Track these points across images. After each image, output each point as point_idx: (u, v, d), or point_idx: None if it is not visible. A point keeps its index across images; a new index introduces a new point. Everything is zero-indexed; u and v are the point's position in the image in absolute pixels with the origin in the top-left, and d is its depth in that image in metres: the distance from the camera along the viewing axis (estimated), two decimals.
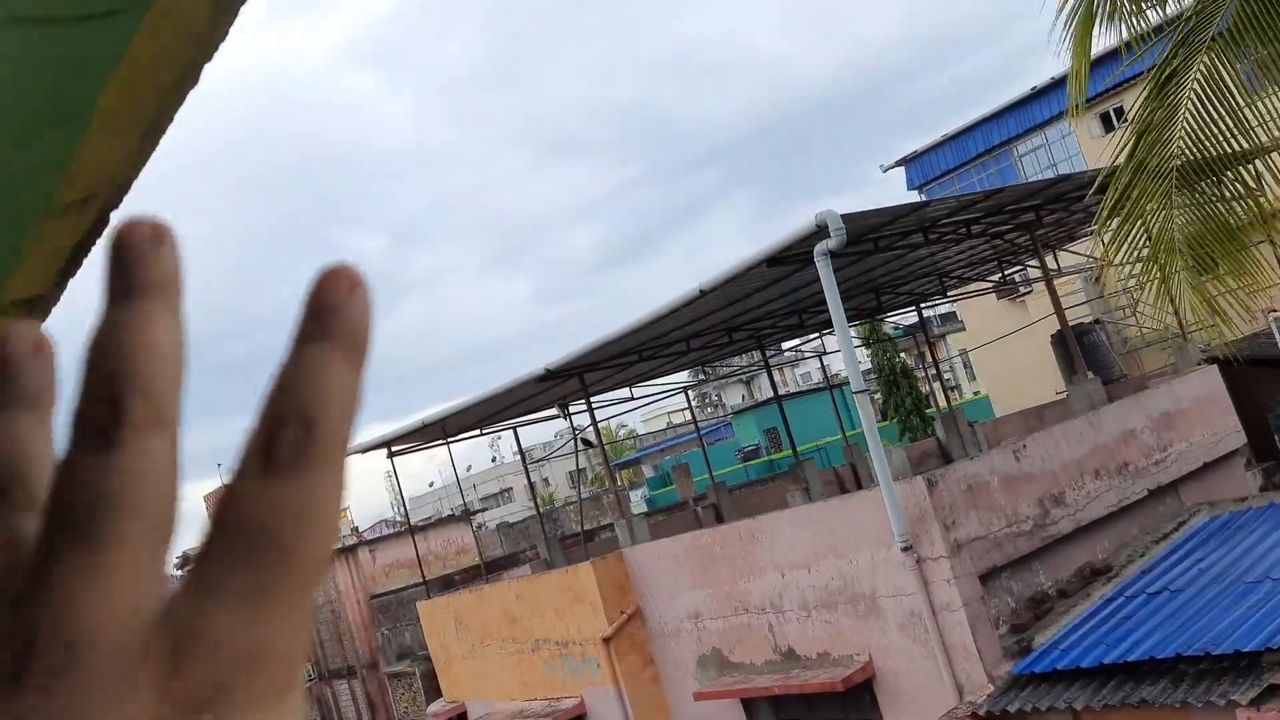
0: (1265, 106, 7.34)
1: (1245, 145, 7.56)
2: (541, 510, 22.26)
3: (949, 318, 48.98)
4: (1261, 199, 8.49)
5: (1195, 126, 7.30)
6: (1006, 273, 18.59)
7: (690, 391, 28.11)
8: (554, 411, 18.77)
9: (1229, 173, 7.65)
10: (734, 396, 64.63)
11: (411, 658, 27.67)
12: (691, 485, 24.39)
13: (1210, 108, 7.33)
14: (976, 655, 10.11)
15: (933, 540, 10.33)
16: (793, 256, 10.81)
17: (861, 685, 11.08)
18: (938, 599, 10.33)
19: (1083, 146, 22.66)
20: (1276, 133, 7.56)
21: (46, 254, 1.22)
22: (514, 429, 19.57)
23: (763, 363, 20.01)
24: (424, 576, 19.63)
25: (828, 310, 10.75)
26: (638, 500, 37.05)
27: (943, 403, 21.60)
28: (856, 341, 28.07)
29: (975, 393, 42.33)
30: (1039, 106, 23.38)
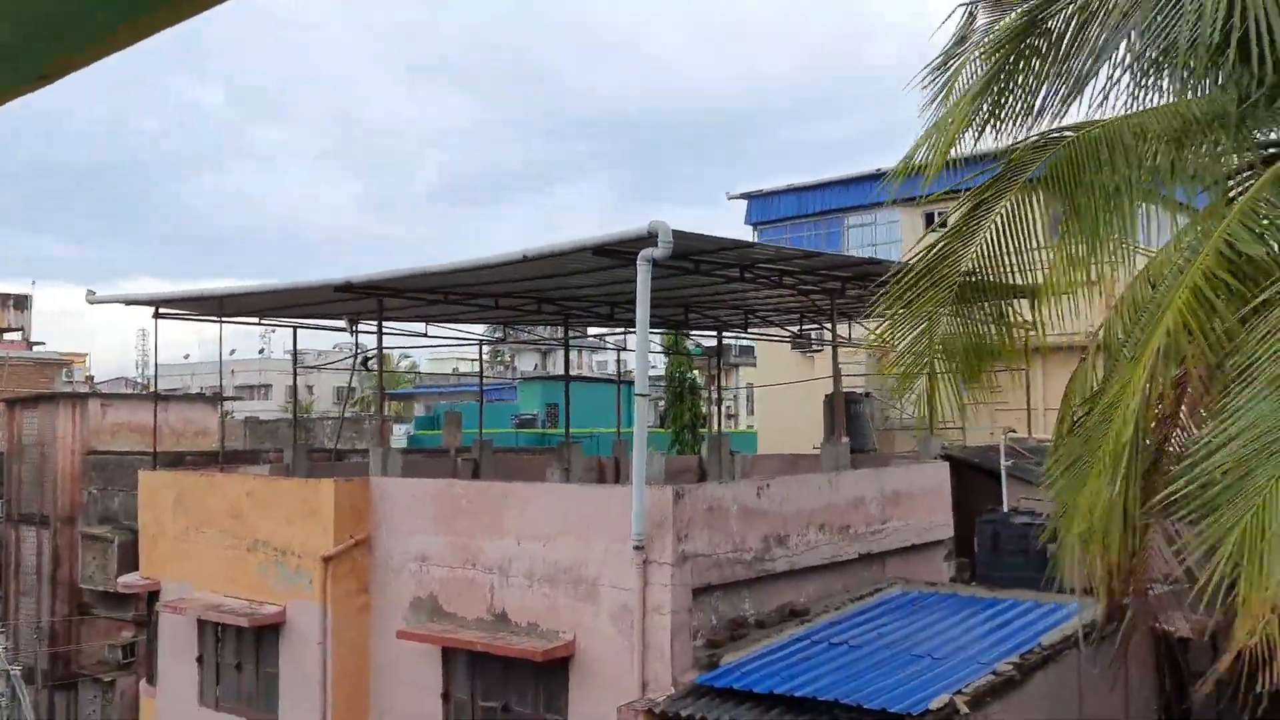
0: (1046, 254, 8.31)
1: (1022, 281, 8.53)
2: (299, 416, 21.78)
3: (747, 351, 51.09)
4: (1025, 332, 9.56)
5: (987, 252, 8.19)
6: (804, 328, 19.79)
7: (486, 346, 28.17)
8: (333, 324, 18.44)
9: (1001, 302, 8.60)
10: (527, 363, 64.88)
11: (114, 524, 26.39)
12: (459, 436, 24.48)
13: (1004, 240, 8.25)
14: (669, 659, 10.81)
15: (664, 546, 10.96)
16: (619, 252, 11.21)
17: (560, 661, 11.59)
18: (651, 600, 10.96)
19: (904, 235, 24.36)
20: (1052, 278, 8.54)
21: None
22: (294, 329, 19.09)
23: (563, 340, 20.39)
24: (155, 448, 18.82)
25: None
26: (400, 435, 36.69)
27: (716, 427, 22.67)
28: (656, 348, 28.98)
29: (749, 426, 44.38)
30: (876, 188, 24.91)
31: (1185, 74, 6.92)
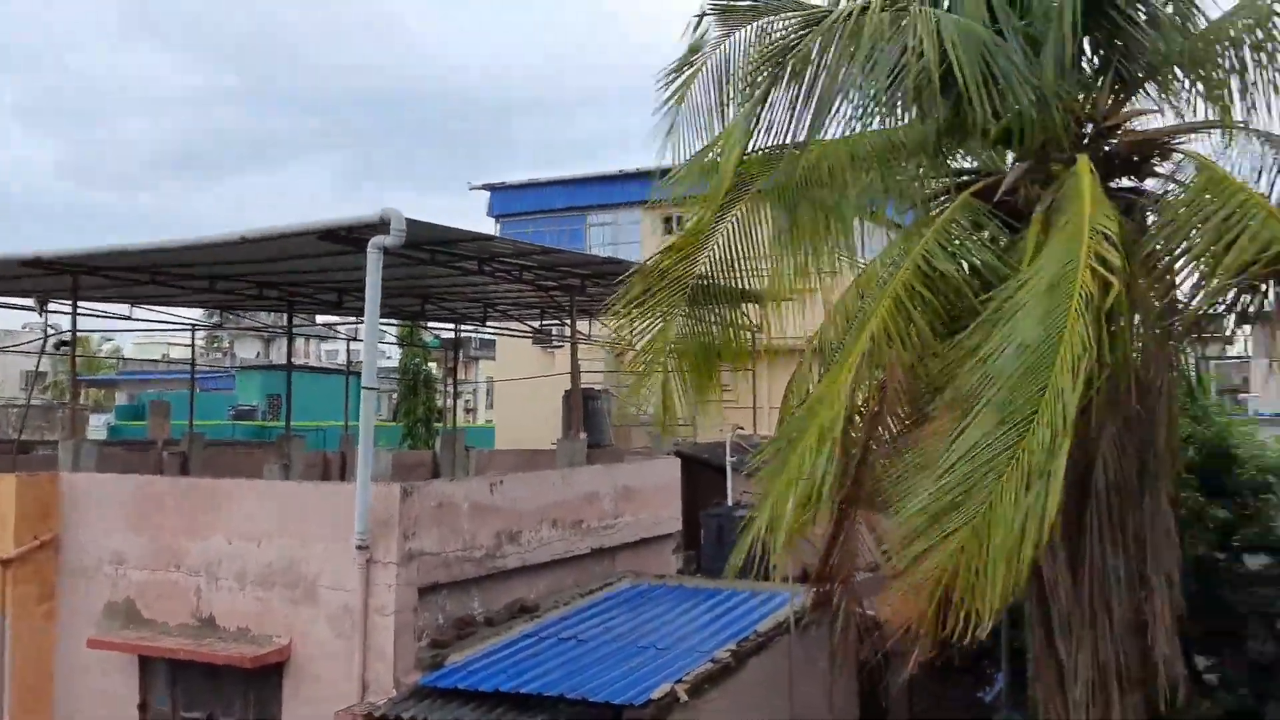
0: (772, 262, 8.71)
1: (751, 286, 8.91)
2: None
3: (488, 344, 50.72)
4: (753, 335, 9.98)
5: (718, 258, 8.49)
6: (545, 323, 19.81)
7: (202, 332, 26.25)
8: (19, 301, 16.55)
9: (730, 305, 8.94)
10: (248, 350, 61.16)
11: None
12: (167, 427, 22.66)
13: (734, 247, 8.57)
14: (392, 660, 10.47)
15: (390, 545, 10.60)
16: (349, 238, 10.71)
17: (273, 666, 10.96)
18: (374, 601, 10.57)
19: (644, 237, 24.98)
20: (777, 285, 8.95)
21: None
22: None
23: (286, 328, 19.32)
24: None
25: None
26: (99, 425, 33.49)
27: (451, 421, 22.27)
28: (392, 339, 28.12)
29: (489, 421, 44.03)
30: (621, 189, 25.43)
31: (893, 103, 7.49)
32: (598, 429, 20.11)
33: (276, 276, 15.00)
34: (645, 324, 8.89)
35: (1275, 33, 6.88)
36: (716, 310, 9.08)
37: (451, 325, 20.35)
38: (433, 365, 35.43)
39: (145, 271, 13.45)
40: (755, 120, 8.09)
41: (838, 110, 7.56)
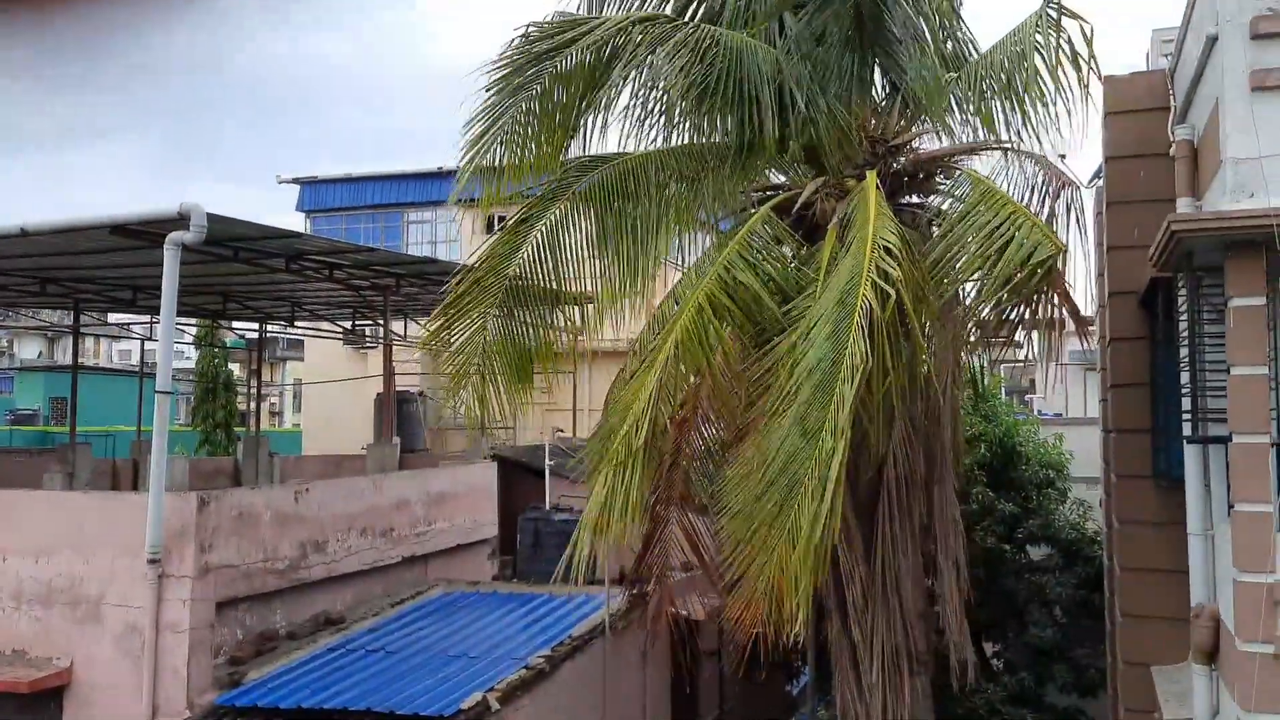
0: (589, 265, 8.77)
1: (572, 289, 8.93)
2: None
3: (296, 344, 48.78)
4: (573, 337, 10.00)
5: (533, 259, 8.48)
6: (357, 324, 19.22)
7: None
8: None
9: (545, 307, 8.93)
10: (29, 350, 56.60)
11: None
12: None
13: (549, 250, 8.58)
14: (185, 679, 9.91)
15: (184, 558, 10.04)
16: (144, 232, 10.07)
17: (52, 691, 10.18)
18: (166, 617, 9.98)
19: (464, 236, 24.63)
20: (594, 289, 9.01)
21: None
22: None
23: (72, 328, 17.99)
24: None
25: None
26: None
27: (254, 426, 21.29)
28: (189, 339, 26.61)
29: (296, 425, 42.37)
30: (440, 185, 24.98)
31: (688, 118, 7.75)
32: (412, 433, 19.72)
33: (61, 273, 13.94)
34: (462, 325, 8.78)
35: (1037, 65, 7.46)
36: (532, 311, 9.06)
37: (256, 325, 19.46)
38: (235, 367, 33.80)
39: None
40: (566, 130, 8.16)
41: (625, 120, 7.76)
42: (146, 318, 18.71)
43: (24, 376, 36.39)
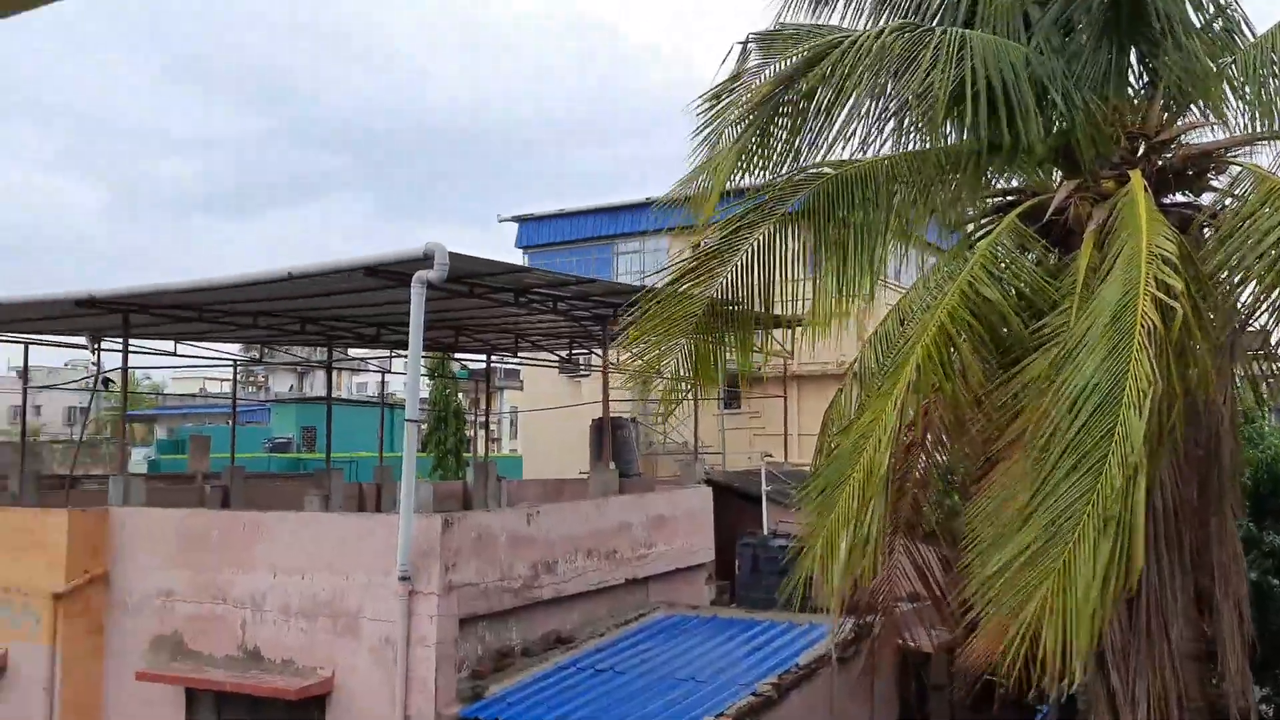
0: (800, 286, 8.68)
1: (779, 311, 8.86)
2: (27, 439, 19.78)
3: (512, 374, 50.94)
4: (784, 360, 10.01)
5: (738, 280, 8.41)
6: (574, 353, 20.02)
7: (238, 365, 26.67)
8: (73, 340, 16.97)
9: (752, 329, 8.88)
10: (281, 383, 61.84)
11: None
12: (207, 461, 23.03)
13: (757, 270, 8.50)
14: (433, 692, 10.59)
15: (430, 576, 10.74)
16: (391, 273, 10.96)
17: (315, 699, 11.11)
18: (416, 632, 10.71)
19: (671, 265, 25.10)
20: (807, 309, 8.88)
21: None
22: (25, 345, 17.38)
23: (326, 362, 19.63)
24: None
25: (406, 330, 10.98)
26: (139, 459, 34.02)
27: (483, 451, 22.47)
28: (423, 371, 28.41)
29: (513, 450, 44.24)
30: (647, 216, 25.63)
31: (925, 123, 7.37)
32: (626, 458, 20.24)
33: (317, 312, 15.31)
34: (661, 349, 8.71)
35: None
36: (738, 334, 8.94)
37: (483, 356, 20.61)
38: (460, 396, 35.67)
39: (193, 309, 13.79)
40: (786, 146, 8.10)
41: (860, 131, 7.53)
42: (387, 352, 20.18)
43: (279, 408, 39.88)
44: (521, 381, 32.76)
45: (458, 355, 22.97)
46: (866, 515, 6.24)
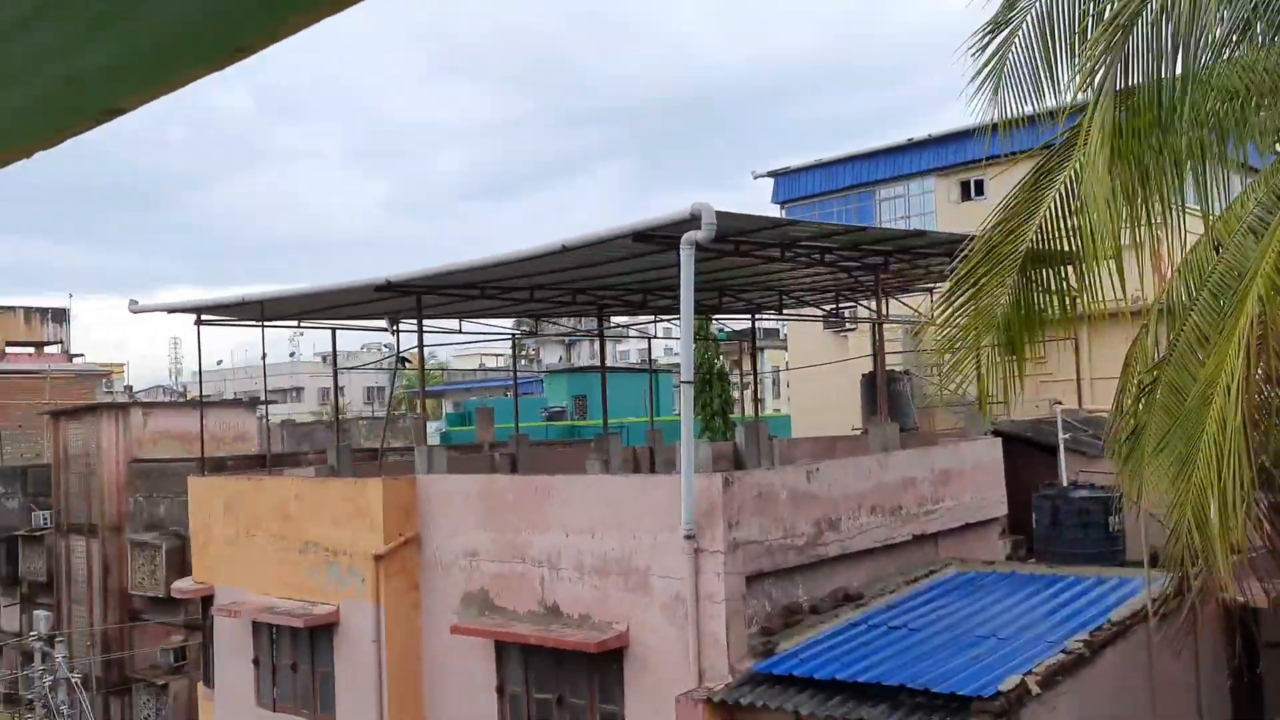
0: (1102, 219, 8.01)
1: (1075, 247, 8.21)
2: (336, 419, 21.81)
3: (771, 333, 50.78)
4: (1077, 300, 9.27)
5: (1050, 220, 7.90)
6: (840, 306, 19.55)
7: (516, 338, 28.11)
8: (373, 323, 18.42)
9: (1056, 270, 8.31)
10: (551, 355, 64.91)
11: (161, 530, 26.60)
12: (492, 431, 24.46)
13: (1067, 207, 7.94)
14: (725, 647, 10.71)
15: (715, 534, 10.85)
16: (659, 237, 11.07)
17: (613, 652, 11.53)
18: (704, 588, 10.86)
19: (938, 206, 24.03)
20: (1106, 242, 8.20)
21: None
22: (333, 331, 19.10)
23: (597, 330, 20.27)
24: (203, 454, 18.89)
25: (672, 295, 11.09)
26: (431, 432, 36.77)
27: (750, 412, 22.50)
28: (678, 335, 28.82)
29: (776, 410, 44.17)
30: (910, 158, 24.61)
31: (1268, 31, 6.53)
32: (901, 412, 19.58)
33: (587, 282, 15.79)
34: (967, 297, 8.33)
35: None
36: (1042, 276, 8.41)
37: (746, 316, 20.57)
38: (721, 358, 35.92)
39: (476, 287, 14.59)
40: (1084, 66, 7.45)
41: (1186, 44, 6.73)
42: (651, 318, 20.56)
43: (551, 378, 41.88)
44: (784, 339, 32.54)
45: (720, 316, 23.04)
46: (1229, 472, 5.60)
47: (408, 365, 19.08)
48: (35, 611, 28.13)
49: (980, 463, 14.09)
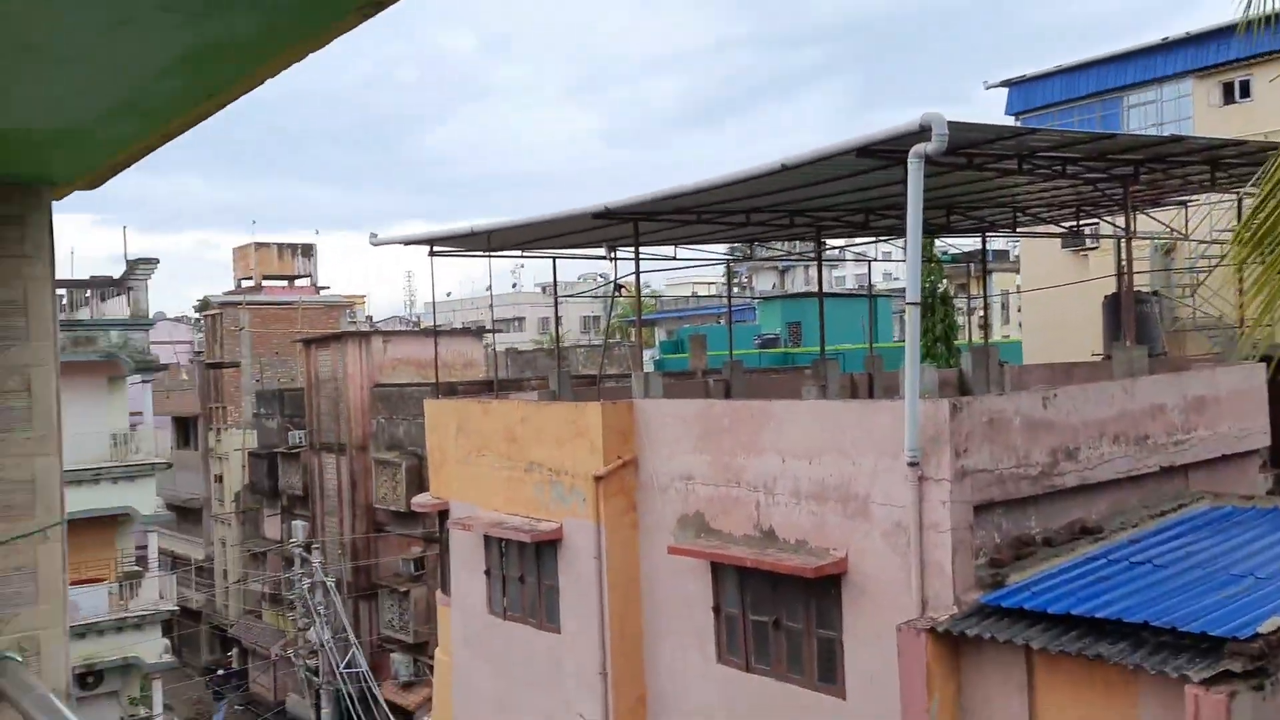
0: None
1: None
2: (557, 346, 22.52)
3: (1000, 255, 48.21)
4: None
5: None
6: (1082, 222, 18.16)
7: (719, 268, 28.00)
8: (589, 252, 18.72)
9: None
10: (764, 282, 64.35)
11: (400, 450, 28.55)
12: (705, 358, 24.56)
13: None
14: (950, 577, 10.34)
15: (940, 461, 10.43)
16: (885, 152, 10.55)
17: (831, 578, 11.39)
18: (928, 517, 10.49)
19: (1196, 111, 21.79)
20: None
21: None
22: (553, 259, 19.59)
23: (815, 253, 19.80)
24: (436, 379, 19.97)
25: (896, 215, 10.60)
26: (646, 360, 37.40)
27: (977, 338, 21.46)
28: (901, 258, 27.72)
29: (1005, 335, 42.06)
30: (1163, 60, 22.38)
31: None
32: (1149, 336, 18.14)
33: (806, 203, 15.37)
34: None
35: None
36: None
37: (977, 235, 19.51)
38: (945, 281, 34.41)
39: (692, 212, 14.50)
40: None
41: None
42: (871, 239, 19.86)
43: (764, 305, 41.54)
44: (1015, 261, 30.77)
45: (949, 237, 21.97)
46: None
47: (624, 293, 19.33)
48: (294, 521, 30.99)
49: (1239, 390, 12.83)
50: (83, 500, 27.30)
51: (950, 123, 9.60)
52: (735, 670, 12.65)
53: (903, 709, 10.44)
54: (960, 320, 32.36)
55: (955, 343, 29.86)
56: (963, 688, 10.29)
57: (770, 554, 11.97)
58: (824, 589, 11.62)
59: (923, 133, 9.66)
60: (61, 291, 30.08)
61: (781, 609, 12.18)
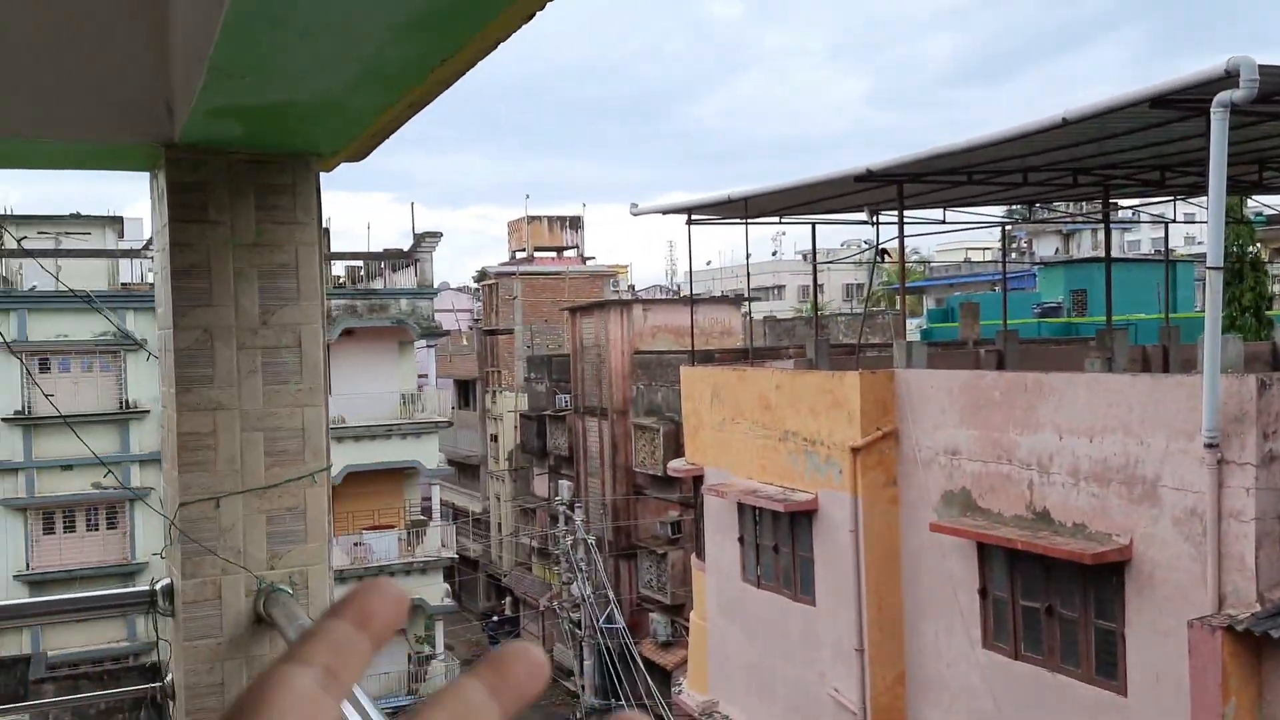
0: None
1: None
2: (815, 313, 22.13)
3: None
4: None
5: None
6: None
7: (995, 234, 26.44)
8: (851, 217, 18.18)
9: None
10: (1045, 247, 60.35)
11: (658, 415, 29.23)
12: (977, 327, 23.35)
13: None
14: (1253, 571, 9.33)
15: (1244, 444, 9.41)
16: (1183, 102, 9.50)
17: (1112, 565, 10.57)
18: (1228, 505, 9.50)
19: None
20: None
21: None
22: (813, 225, 19.23)
23: (1102, 216, 18.29)
24: (692, 347, 20.22)
25: (1197, 172, 9.53)
26: (911, 328, 36.06)
27: None
28: (1200, 220, 25.07)
29: None
30: None
31: None
32: None
33: (1090, 160, 14.18)
34: None
35: None
36: None
37: None
38: (1257, 246, 30.84)
39: (962, 173, 13.75)
40: None
41: None
42: (1168, 199, 18.09)
43: (1045, 272, 38.86)
44: None
45: (1260, 198, 19.66)
46: None
47: (887, 259, 18.69)
48: (560, 481, 32.52)
49: None
50: (377, 453, 30.00)
51: (1262, 67, 8.50)
52: (1003, 657, 12.04)
53: (1193, 711, 9.54)
54: (1274, 289, 28.97)
55: (1267, 314, 26.76)
56: (1263, 693, 9.28)
57: (1044, 537, 11.26)
58: (1104, 577, 10.81)
59: (1229, 79, 8.62)
60: (359, 263, 32.99)
61: (1055, 595, 11.45)
